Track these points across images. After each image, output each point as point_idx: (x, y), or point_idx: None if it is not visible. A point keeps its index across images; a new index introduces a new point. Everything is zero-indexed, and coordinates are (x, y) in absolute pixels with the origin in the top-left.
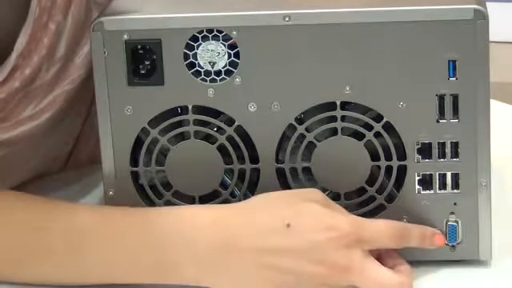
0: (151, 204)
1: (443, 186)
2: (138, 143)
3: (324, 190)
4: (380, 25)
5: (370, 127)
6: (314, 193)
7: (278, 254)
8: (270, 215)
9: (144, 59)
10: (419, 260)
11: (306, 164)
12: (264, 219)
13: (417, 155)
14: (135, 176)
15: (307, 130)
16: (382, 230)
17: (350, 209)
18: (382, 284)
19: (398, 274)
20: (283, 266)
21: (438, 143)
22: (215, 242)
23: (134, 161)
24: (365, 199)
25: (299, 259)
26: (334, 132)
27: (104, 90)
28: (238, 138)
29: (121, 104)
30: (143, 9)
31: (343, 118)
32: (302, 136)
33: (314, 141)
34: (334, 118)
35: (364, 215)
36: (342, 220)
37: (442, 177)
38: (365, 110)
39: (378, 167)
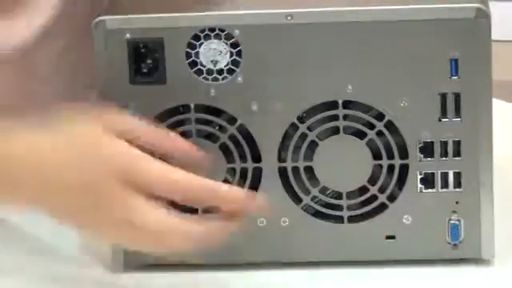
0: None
1: (445, 184)
2: None
3: (326, 189)
4: (382, 23)
5: (371, 126)
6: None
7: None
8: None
9: (146, 58)
10: (421, 259)
11: (308, 163)
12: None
13: (419, 154)
14: None
15: (309, 128)
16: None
17: (352, 208)
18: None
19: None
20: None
21: (440, 142)
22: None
23: None
24: (366, 198)
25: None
26: (335, 131)
27: (107, 88)
28: (240, 137)
29: (123, 102)
30: (145, 7)
31: (345, 117)
32: (304, 135)
33: (316, 140)
34: (335, 117)
35: (366, 214)
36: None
37: (444, 175)
38: (366, 108)
39: (380, 166)
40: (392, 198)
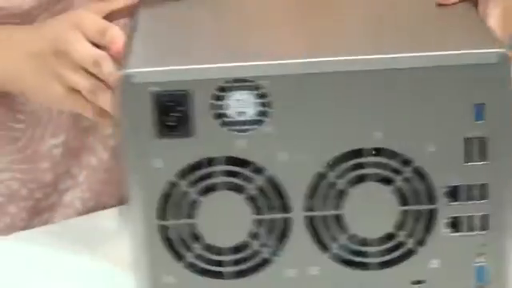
0: (178, 258)
1: (471, 227)
2: (167, 196)
3: (353, 237)
4: (407, 70)
5: (398, 171)
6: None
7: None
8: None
9: (172, 111)
10: None
11: (336, 211)
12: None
13: (445, 198)
14: (163, 230)
15: (337, 177)
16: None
17: (379, 254)
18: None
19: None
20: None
21: (466, 186)
22: None
23: (162, 214)
24: (394, 244)
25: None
26: (362, 178)
27: (132, 142)
28: (268, 188)
29: (149, 157)
30: (169, 58)
31: (372, 164)
32: (332, 183)
33: (344, 188)
34: (362, 165)
35: (393, 260)
36: None
37: (470, 219)
38: (393, 154)
39: (406, 211)
40: (420, 242)
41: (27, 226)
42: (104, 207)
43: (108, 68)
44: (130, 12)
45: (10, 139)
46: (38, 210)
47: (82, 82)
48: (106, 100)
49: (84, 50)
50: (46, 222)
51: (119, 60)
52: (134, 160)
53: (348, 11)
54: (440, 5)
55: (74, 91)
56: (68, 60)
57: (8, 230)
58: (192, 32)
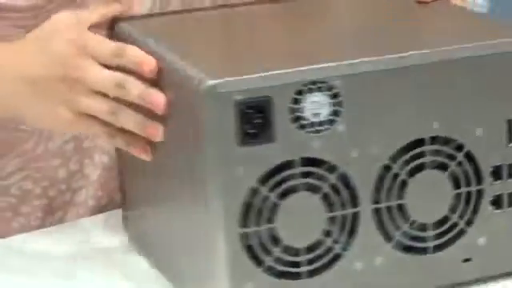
0: (258, 264)
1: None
2: (248, 203)
3: (413, 223)
4: (463, 60)
5: (451, 157)
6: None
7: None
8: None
9: (254, 118)
10: (496, 275)
11: (399, 201)
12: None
13: (490, 178)
14: (245, 237)
15: (400, 168)
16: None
17: (434, 239)
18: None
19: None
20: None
21: (509, 165)
22: None
23: (244, 222)
24: (448, 226)
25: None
26: (421, 167)
27: (214, 151)
28: (340, 185)
29: (231, 165)
30: (242, 66)
31: (430, 153)
32: (396, 174)
33: (406, 178)
34: (421, 154)
35: (447, 242)
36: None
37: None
38: (447, 141)
39: (459, 194)
40: (469, 222)
41: (41, 225)
42: (117, 206)
43: (137, 89)
44: (105, 24)
45: (20, 140)
46: (52, 209)
47: (98, 105)
48: (127, 119)
49: (101, 76)
50: (59, 221)
51: (147, 78)
52: (216, 169)
53: (375, 14)
54: (419, 2)
55: (85, 115)
56: (79, 86)
57: (23, 229)
58: (232, 41)
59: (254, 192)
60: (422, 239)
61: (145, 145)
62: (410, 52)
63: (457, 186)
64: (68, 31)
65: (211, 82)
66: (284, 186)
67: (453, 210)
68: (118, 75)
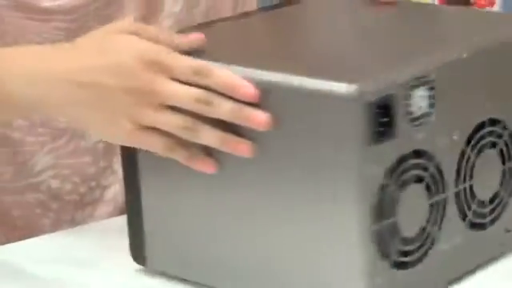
0: (385, 257)
1: None
2: (379, 200)
3: (478, 202)
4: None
5: (500, 136)
6: (124, 23)
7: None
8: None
9: (382, 116)
10: None
11: (471, 182)
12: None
13: None
14: (377, 233)
15: (471, 150)
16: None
17: (489, 214)
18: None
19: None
20: (97, 82)
21: None
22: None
23: (376, 218)
24: (500, 201)
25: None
26: (481, 149)
27: (344, 152)
28: (436, 174)
29: (361, 165)
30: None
31: (488, 134)
32: (468, 157)
33: (475, 159)
34: (483, 136)
35: (497, 217)
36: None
37: None
38: (496, 122)
39: (505, 170)
40: (510, 194)
41: (72, 221)
42: None
43: (228, 104)
44: None
45: (53, 137)
46: (82, 205)
47: (173, 120)
48: (209, 135)
49: (181, 90)
50: (88, 217)
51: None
52: (345, 170)
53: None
54: (386, 3)
55: (145, 128)
56: (150, 99)
57: (53, 225)
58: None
59: (382, 188)
60: (483, 215)
61: (206, 158)
62: (480, 37)
63: (503, 162)
64: (138, 42)
65: (359, 88)
66: (403, 179)
67: (502, 184)
68: (199, 91)
